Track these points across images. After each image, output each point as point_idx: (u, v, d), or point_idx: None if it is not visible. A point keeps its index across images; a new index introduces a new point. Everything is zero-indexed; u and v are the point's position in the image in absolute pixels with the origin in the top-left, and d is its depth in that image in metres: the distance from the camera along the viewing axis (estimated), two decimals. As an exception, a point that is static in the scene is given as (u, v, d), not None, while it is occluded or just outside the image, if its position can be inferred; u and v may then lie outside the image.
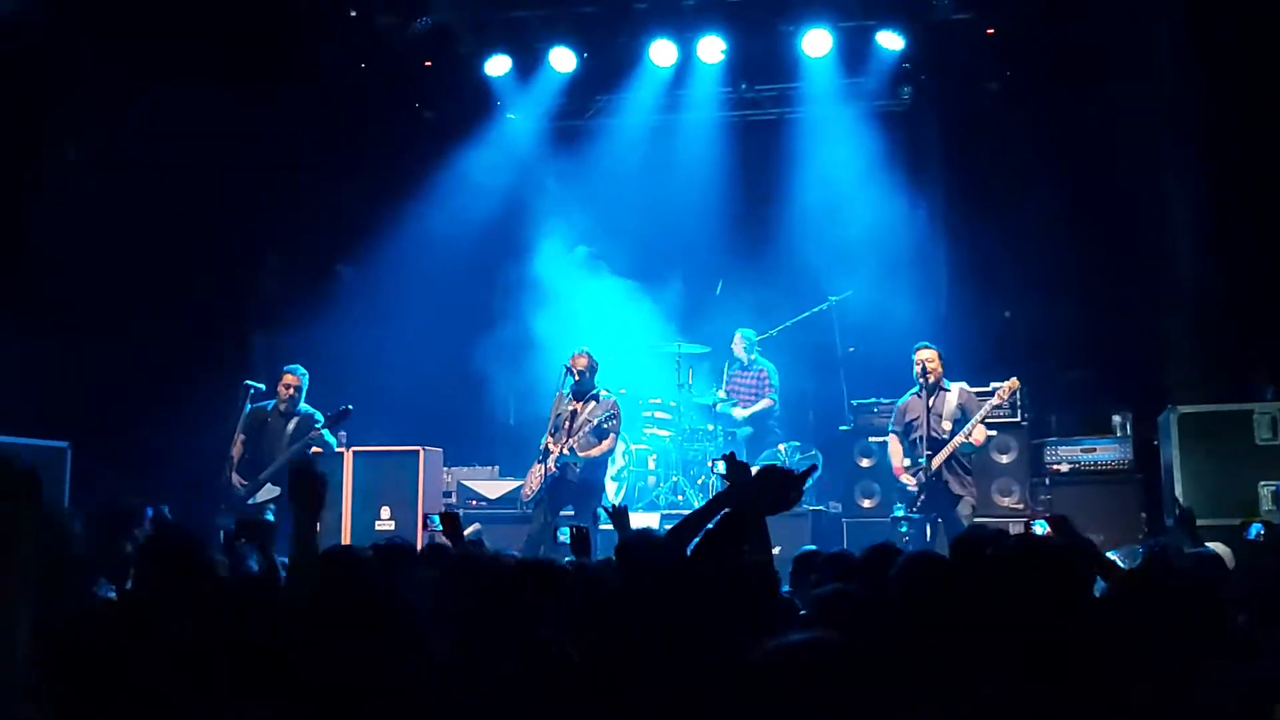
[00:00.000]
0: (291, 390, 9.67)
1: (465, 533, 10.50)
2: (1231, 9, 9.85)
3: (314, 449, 9.58)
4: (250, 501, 9.33)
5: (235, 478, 9.44)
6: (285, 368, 9.81)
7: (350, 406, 9.54)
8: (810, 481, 3.73)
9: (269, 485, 9.43)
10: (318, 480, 4.19)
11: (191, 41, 10.29)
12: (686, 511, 10.04)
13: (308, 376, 9.80)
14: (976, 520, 8.76)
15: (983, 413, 9.15)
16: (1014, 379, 9.42)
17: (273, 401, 9.70)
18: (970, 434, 9.05)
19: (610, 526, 6.43)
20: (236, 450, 9.54)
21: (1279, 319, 9.89)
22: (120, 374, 10.42)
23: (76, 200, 10.13)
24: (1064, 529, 5.50)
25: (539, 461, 9.87)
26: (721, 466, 5.99)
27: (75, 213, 10.11)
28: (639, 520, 10.41)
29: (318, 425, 9.52)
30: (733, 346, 11.98)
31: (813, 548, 6.45)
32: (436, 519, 6.17)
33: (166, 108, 10.31)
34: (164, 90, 10.21)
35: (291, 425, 9.61)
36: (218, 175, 10.92)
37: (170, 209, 10.59)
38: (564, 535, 5.91)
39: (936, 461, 9.07)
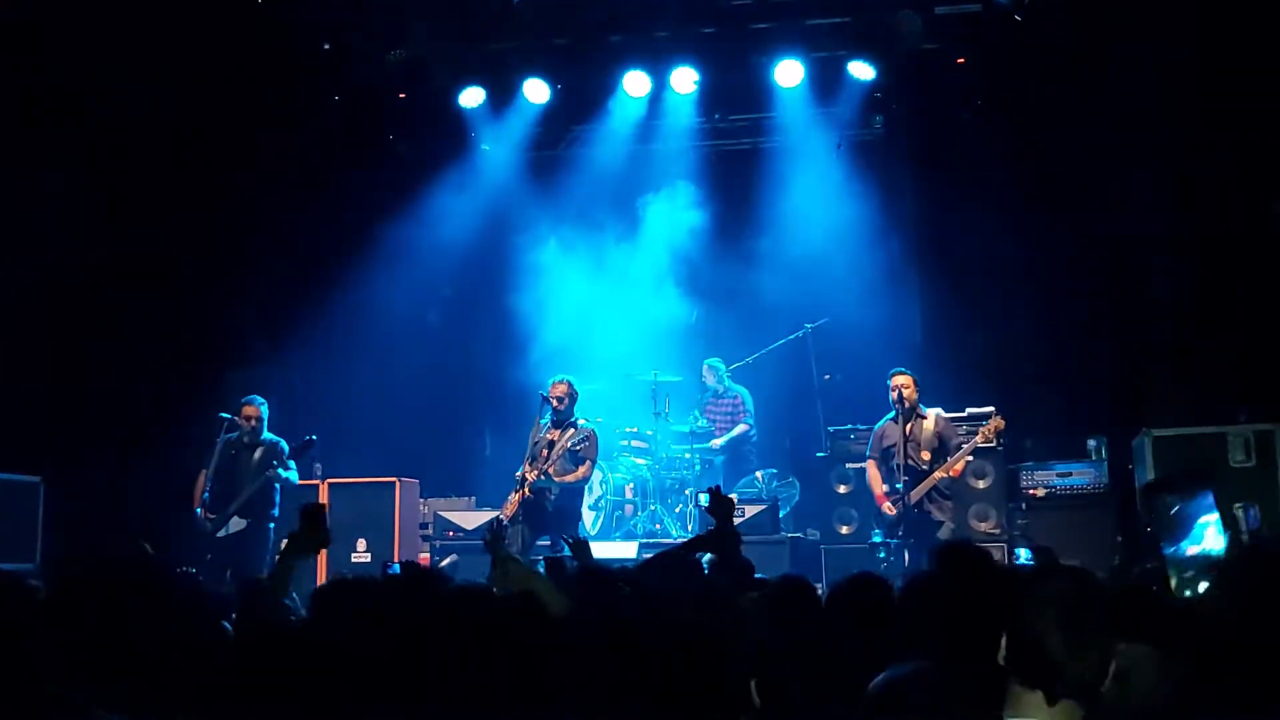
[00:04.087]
0: (253, 421, 9.62)
1: (441, 564, 10.51)
2: (1196, 30, 9.95)
3: (275, 484, 9.52)
4: (219, 534, 9.25)
5: (202, 511, 9.35)
6: (244, 399, 9.75)
7: (314, 437, 9.51)
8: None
9: (236, 518, 9.36)
10: (322, 526, 4.34)
11: (165, 74, 10.27)
12: (666, 541, 10.11)
13: (267, 406, 9.76)
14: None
15: (965, 451, 9.23)
16: (999, 419, 9.38)
17: (236, 434, 9.64)
18: (950, 469, 9.17)
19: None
20: (201, 484, 9.45)
21: (1252, 343, 9.96)
22: (94, 409, 10.34)
23: (50, 232, 10.05)
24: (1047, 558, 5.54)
25: (516, 490, 9.79)
26: (704, 499, 5.94)
27: (49, 245, 10.03)
28: (617, 550, 10.41)
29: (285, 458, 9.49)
30: (703, 378, 12.02)
31: None
32: (396, 567, 6.21)
33: (137, 139, 10.28)
34: (136, 123, 10.19)
35: (257, 456, 9.56)
36: (190, 208, 10.88)
37: (142, 242, 10.55)
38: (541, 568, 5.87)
39: (916, 494, 9.09)
